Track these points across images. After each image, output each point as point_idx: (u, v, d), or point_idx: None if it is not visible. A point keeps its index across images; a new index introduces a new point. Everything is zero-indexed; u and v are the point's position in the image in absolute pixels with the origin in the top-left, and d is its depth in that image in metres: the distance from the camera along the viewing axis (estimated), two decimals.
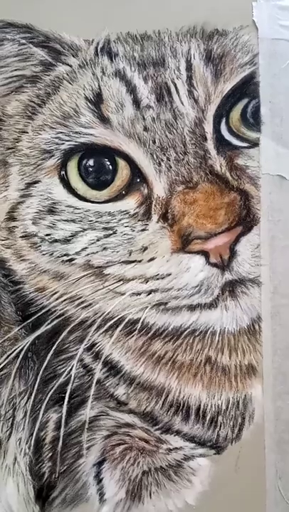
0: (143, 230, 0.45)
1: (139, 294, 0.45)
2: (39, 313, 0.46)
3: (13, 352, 0.46)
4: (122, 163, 0.45)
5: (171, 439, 0.47)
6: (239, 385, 0.47)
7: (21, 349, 0.46)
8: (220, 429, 0.47)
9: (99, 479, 0.47)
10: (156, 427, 0.47)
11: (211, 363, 0.46)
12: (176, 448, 0.47)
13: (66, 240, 0.45)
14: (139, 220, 0.45)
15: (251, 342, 0.47)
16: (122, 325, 0.46)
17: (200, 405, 0.47)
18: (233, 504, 0.46)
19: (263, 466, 0.46)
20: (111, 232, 0.45)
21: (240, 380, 0.47)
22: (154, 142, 0.45)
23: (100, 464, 0.47)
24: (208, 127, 0.45)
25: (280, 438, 0.46)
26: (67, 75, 0.46)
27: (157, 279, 0.45)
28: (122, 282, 0.45)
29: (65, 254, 0.46)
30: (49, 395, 0.46)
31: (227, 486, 0.46)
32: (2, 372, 0.47)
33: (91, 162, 0.45)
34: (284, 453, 0.46)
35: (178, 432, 0.47)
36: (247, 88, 0.47)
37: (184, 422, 0.47)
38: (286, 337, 0.47)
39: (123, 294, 0.45)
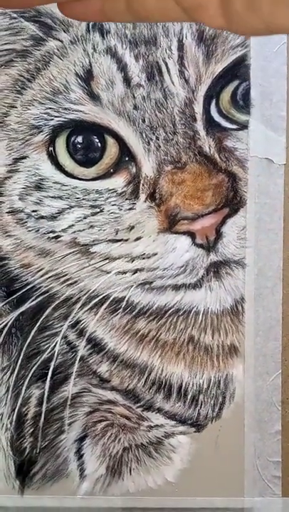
0: (130, 209, 0.45)
1: (124, 272, 0.45)
2: (24, 290, 0.46)
3: None
4: (110, 141, 0.45)
5: (153, 416, 0.47)
6: (221, 365, 0.47)
7: (5, 325, 0.46)
8: (201, 407, 0.47)
9: (80, 455, 0.47)
10: (138, 404, 0.47)
11: (194, 342, 0.47)
12: (157, 425, 0.47)
13: (53, 217, 0.45)
14: (126, 199, 0.45)
15: (234, 323, 0.47)
16: (107, 303, 0.46)
17: (182, 384, 0.47)
18: (212, 482, 0.47)
19: (243, 444, 0.47)
20: (98, 210, 0.45)
21: (222, 359, 0.47)
22: (143, 121, 0.45)
23: (81, 439, 0.47)
24: (198, 108, 0.45)
25: (260, 418, 0.47)
26: (58, 50, 0.46)
27: (143, 258, 0.45)
28: (107, 261, 0.45)
29: (51, 231, 0.45)
30: (32, 371, 0.46)
31: (206, 464, 0.47)
32: None
33: (80, 139, 0.45)
34: (263, 432, 0.47)
35: (159, 410, 0.47)
36: (238, 70, 0.47)
37: (165, 400, 0.47)
38: (268, 319, 0.47)
39: (109, 273, 0.45)
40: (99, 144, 0.45)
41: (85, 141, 0.45)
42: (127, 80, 0.45)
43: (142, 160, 0.45)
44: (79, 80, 0.45)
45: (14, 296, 0.46)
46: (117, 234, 0.45)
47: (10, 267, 0.47)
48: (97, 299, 0.46)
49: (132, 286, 0.45)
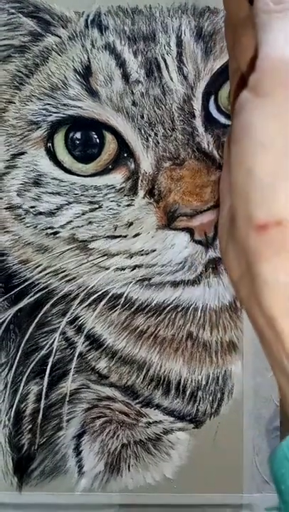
0: (129, 205, 0.45)
1: (123, 269, 0.45)
2: (22, 286, 0.46)
3: None
4: (109, 137, 0.45)
5: (151, 412, 0.47)
6: (219, 361, 0.47)
7: (3, 321, 0.46)
8: (199, 403, 0.47)
9: (78, 451, 0.47)
10: (137, 400, 0.47)
11: (193, 338, 0.47)
12: (156, 421, 0.47)
13: (51, 213, 0.45)
14: (125, 195, 0.45)
15: (232, 319, 0.47)
16: (106, 299, 0.46)
17: (180, 380, 0.47)
18: (211, 478, 0.47)
19: (241, 441, 0.47)
20: (96, 206, 0.45)
21: (220, 355, 0.47)
22: (142, 117, 0.45)
23: (79, 436, 0.47)
24: (197, 104, 0.45)
25: (259, 414, 0.47)
26: (57, 46, 0.45)
27: (142, 254, 0.45)
28: (106, 257, 0.45)
29: (49, 227, 0.45)
30: (30, 367, 0.46)
31: (205, 460, 0.47)
32: None
33: (78, 135, 0.45)
34: (262, 429, 0.47)
35: (158, 406, 0.47)
36: None
37: (164, 396, 0.47)
38: None
39: (107, 269, 0.45)
40: (97, 140, 0.45)
41: (84, 137, 0.45)
42: (125, 76, 0.45)
43: (141, 156, 0.45)
44: (77, 76, 0.45)
45: (12, 292, 0.46)
46: (115, 230, 0.45)
47: (8, 262, 0.46)
48: (95, 295, 0.46)
49: (131, 282, 0.45)
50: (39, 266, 0.46)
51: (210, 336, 0.47)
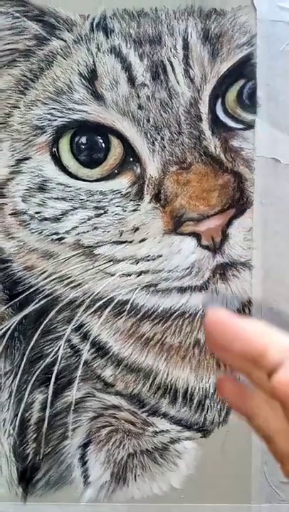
0: (135, 210, 0.45)
1: (129, 274, 0.45)
2: (27, 293, 0.46)
3: None
4: (115, 141, 0.44)
5: (158, 421, 0.47)
6: (227, 369, 0.46)
7: (8, 328, 0.46)
8: (207, 412, 0.47)
9: (84, 461, 0.46)
10: (143, 409, 0.47)
11: (200, 345, 0.46)
12: (163, 431, 0.47)
13: (56, 219, 0.45)
14: (131, 200, 0.45)
15: None
16: (111, 306, 0.45)
17: (188, 388, 0.46)
18: (219, 488, 0.46)
19: (250, 450, 0.46)
20: (102, 211, 0.45)
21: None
22: (148, 121, 0.44)
23: (85, 445, 0.46)
24: (204, 108, 0.45)
25: None
26: (62, 50, 0.45)
27: (148, 260, 0.45)
28: (112, 263, 0.45)
29: (54, 233, 0.45)
30: (35, 376, 0.46)
31: (213, 470, 0.46)
32: None
33: (84, 139, 0.45)
34: None
35: (165, 415, 0.47)
36: (244, 69, 0.46)
37: (171, 405, 0.47)
38: (276, 322, 0.47)
39: (113, 275, 0.45)
40: (103, 145, 0.44)
41: (89, 142, 0.45)
42: (131, 80, 0.44)
43: (147, 160, 0.44)
44: (83, 80, 0.44)
45: (17, 299, 0.46)
46: (121, 235, 0.45)
47: (13, 269, 0.46)
48: (101, 302, 0.45)
49: (137, 288, 0.45)
50: (44, 272, 0.45)
51: None
